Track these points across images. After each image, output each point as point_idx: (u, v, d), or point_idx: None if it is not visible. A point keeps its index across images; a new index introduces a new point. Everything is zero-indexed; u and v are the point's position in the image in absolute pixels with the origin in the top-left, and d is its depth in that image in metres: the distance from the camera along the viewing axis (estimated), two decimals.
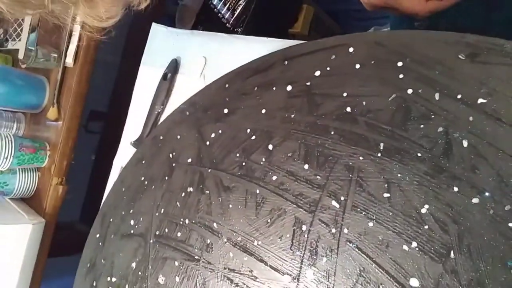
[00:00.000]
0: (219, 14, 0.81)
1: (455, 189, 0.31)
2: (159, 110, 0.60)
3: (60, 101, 0.74)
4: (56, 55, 0.74)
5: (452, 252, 0.31)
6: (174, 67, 0.60)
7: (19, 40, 0.75)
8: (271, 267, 0.39)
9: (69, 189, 0.77)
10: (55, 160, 0.74)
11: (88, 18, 0.34)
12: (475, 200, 0.30)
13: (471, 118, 0.31)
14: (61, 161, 0.74)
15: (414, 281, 0.32)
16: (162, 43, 0.64)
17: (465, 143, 0.31)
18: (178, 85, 0.60)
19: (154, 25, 0.67)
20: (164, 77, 0.61)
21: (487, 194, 0.30)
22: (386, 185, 0.34)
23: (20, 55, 0.69)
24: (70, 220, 1.16)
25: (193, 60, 0.59)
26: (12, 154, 0.69)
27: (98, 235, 0.53)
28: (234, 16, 0.81)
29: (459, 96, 0.31)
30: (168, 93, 0.60)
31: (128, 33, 1.13)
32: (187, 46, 0.60)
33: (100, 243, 0.53)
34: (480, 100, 0.31)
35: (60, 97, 0.74)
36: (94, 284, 0.52)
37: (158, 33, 0.65)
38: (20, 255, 0.70)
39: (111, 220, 0.52)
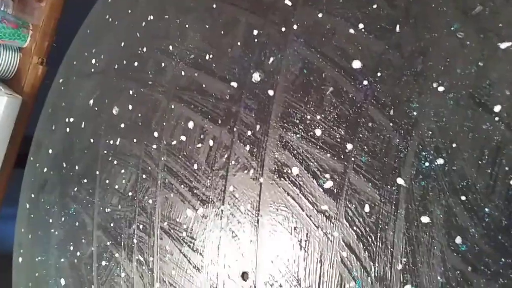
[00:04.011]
0: None
1: None
2: None
3: None
4: None
5: (397, 26, 0.29)
6: None
7: None
8: (219, 77, 0.37)
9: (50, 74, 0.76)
10: (36, 40, 0.73)
11: None
12: None
13: None
14: (42, 41, 0.73)
15: (356, 63, 0.30)
16: None
17: None
18: None
19: None
20: None
21: None
22: None
23: None
24: None
25: None
26: None
27: (61, 80, 0.53)
28: None
29: None
30: None
31: None
32: None
33: (63, 88, 0.52)
34: None
35: None
36: (53, 127, 0.52)
37: None
38: None
39: (74, 63, 0.51)
